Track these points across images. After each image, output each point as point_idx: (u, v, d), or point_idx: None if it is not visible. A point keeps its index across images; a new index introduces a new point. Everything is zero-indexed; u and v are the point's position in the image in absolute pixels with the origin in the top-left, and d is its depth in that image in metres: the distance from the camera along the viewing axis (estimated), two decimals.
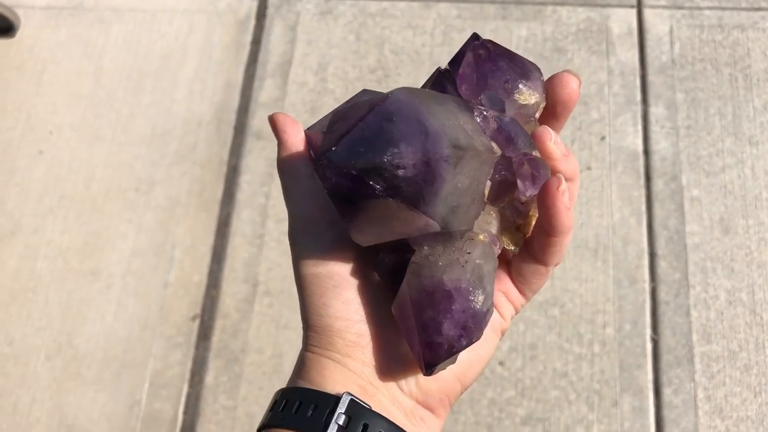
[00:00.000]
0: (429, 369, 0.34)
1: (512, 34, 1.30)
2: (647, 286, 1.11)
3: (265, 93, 1.29)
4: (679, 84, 1.24)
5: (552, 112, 0.38)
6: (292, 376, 0.37)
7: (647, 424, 1.03)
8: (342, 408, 0.33)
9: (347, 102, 0.35)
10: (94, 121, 1.30)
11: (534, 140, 0.36)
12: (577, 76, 0.38)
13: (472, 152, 0.33)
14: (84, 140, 1.29)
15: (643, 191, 1.17)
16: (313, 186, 0.38)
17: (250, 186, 1.22)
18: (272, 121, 0.40)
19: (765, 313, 1.09)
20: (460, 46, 0.38)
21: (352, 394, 0.34)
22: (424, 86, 0.38)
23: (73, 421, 1.09)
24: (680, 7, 1.31)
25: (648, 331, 1.08)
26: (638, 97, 1.24)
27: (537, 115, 0.38)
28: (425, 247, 0.35)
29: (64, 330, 1.15)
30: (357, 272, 0.37)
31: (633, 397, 1.05)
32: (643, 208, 1.16)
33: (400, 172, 0.31)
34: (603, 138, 1.20)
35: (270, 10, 1.37)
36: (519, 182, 0.36)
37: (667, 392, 1.05)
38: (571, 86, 0.37)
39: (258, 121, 1.27)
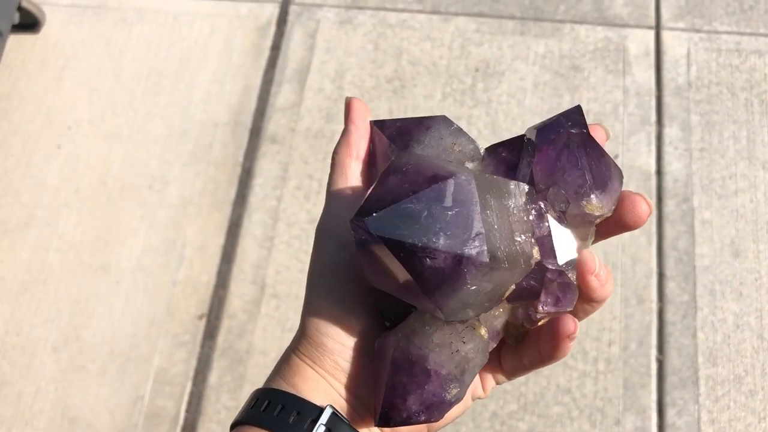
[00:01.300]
0: (382, 424, 0.35)
1: (530, 50, 1.31)
2: (654, 306, 1.11)
3: (282, 98, 1.31)
4: (694, 106, 1.25)
5: (613, 225, 0.37)
6: (273, 373, 0.38)
7: None
8: (324, 419, 0.34)
9: (422, 128, 0.36)
10: (112, 118, 1.32)
11: (578, 263, 0.35)
12: (649, 203, 0.36)
13: (507, 266, 0.32)
14: (101, 136, 1.30)
15: (654, 211, 1.17)
16: (356, 188, 0.39)
17: (262, 189, 1.23)
18: (348, 105, 0.40)
19: None
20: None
21: (334, 408, 0.34)
22: (503, 145, 0.37)
23: (76, 413, 1.10)
24: (698, 31, 1.31)
25: (653, 351, 1.08)
26: (653, 117, 1.24)
27: (598, 221, 0.37)
28: (427, 316, 0.35)
29: (71, 323, 1.16)
30: (367, 299, 0.37)
31: (636, 417, 1.04)
32: (654, 228, 1.16)
33: (428, 262, 0.30)
34: (616, 156, 1.21)
35: (291, 17, 1.39)
36: (542, 296, 0.35)
37: (670, 413, 1.04)
38: (640, 211, 0.36)
39: (273, 125, 1.28)
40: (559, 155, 0.35)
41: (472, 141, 0.37)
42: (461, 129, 0.36)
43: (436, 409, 0.34)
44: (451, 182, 0.31)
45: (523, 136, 0.36)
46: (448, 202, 0.30)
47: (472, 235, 0.30)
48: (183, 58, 1.36)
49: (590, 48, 1.31)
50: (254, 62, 1.35)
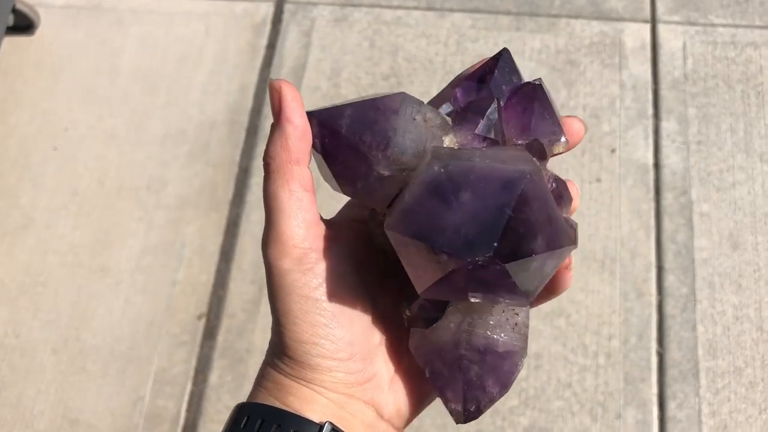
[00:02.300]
0: (467, 421, 0.35)
1: (526, 46, 1.31)
2: (654, 300, 1.11)
3: None
4: (691, 99, 1.25)
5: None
6: (257, 388, 0.35)
7: None
8: None
9: (389, 113, 0.33)
10: (108, 119, 1.32)
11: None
12: (585, 123, 0.38)
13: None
14: (98, 138, 1.30)
15: (652, 205, 1.17)
16: (305, 204, 0.35)
17: (260, 188, 1.22)
18: (277, 92, 0.35)
19: None
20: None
21: (333, 424, 0.33)
22: (467, 109, 0.36)
23: (77, 415, 1.10)
24: (694, 24, 1.31)
25: (654, 345, 1.08)
26: (650, 111, 1.24)
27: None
28: (465, 304, 0.34)
29: (71, 324, 1.16)
30: (351, 302, 0.35)
31: (637, 410, 1.04)
32: (652, 221, 1.16)
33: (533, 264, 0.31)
34: (613, 150, 1.21)
35: (286, 16, 1.39)
36: None
37: (671, 406, 1.04)
38: (580, 135, 0.37)
39: (270, 124, 1.28)
40: (524, 109, 0.36)
41: (437, 112, 0.35)
42: (422, 101, 0.35)
43: (511, 381, 0.35)
44: (525, 183, 0.30)
45: (492, 97, 0.35)
46: (534, 204, 0.30)
47: (562, 226, 0.31)
48: (179, 58, 1.36)
49: (586, 42, 1.31)
50: (250, 61, 1.35)
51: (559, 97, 1.26)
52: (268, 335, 0.36)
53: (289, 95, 0.35)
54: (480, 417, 0.35)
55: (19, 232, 1.23)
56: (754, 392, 1.05)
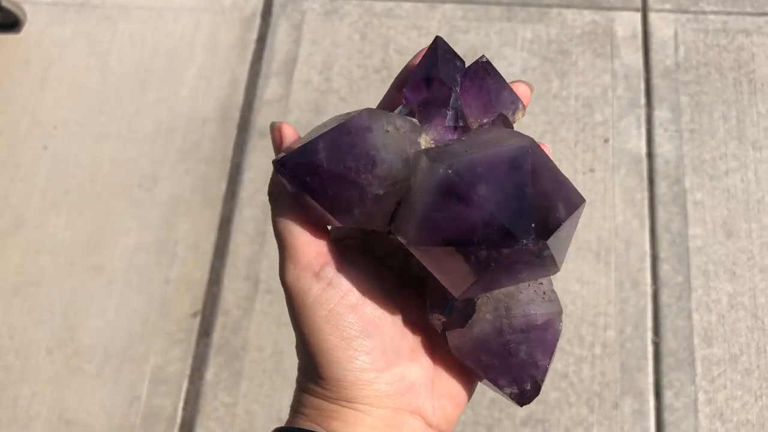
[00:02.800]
0: (531, 400, 0.35)
1: (517, 36, 1.30)
2: (649, 289, 1.11)
3: (270, 91, 1.30)
4: (683, 88, 1.24)
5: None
6: (300, 419, 0.34)
7: (647, 426, 1.03)
8: None
9: (362, 133, 0.33)
10: (99, 117, 1.31)
11: None
12: (530, 85, 0.39)
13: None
14: (89, 136, 1.29)
15: (646, 194, 1.17)
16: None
17: (253, 183, 1.22)
18: (276, 131, 0.36)
19: (766, 318, 1.09)
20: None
21: None
22: (427, 103, 0.36)
23: (73, 416, 1.09)
24: (685, 11, 1.31)
25: (649, 334, 1.08)
26: (642, 100, 1.24)
27: None
28: (494, 292, 0.35)
29: (65, 324, 1.15)
30: (377, 310, 0.35)
31: (634, 400, 1.05)
32: (646, 210, 1.16)
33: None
34: (606, 140, 1.21)
35: (275, 9, 1.38)
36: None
37: (667, 395, 1.05)
38: (529, 96, 0.38)
39: (262, 119, 1.27)
40: (480, 88, 0.36)
41: (403, 117, 0.35)
42: (386, 111, 0.35)
43: (556, 347, 0.36)
44: (530, 156, 0.31)
45: (448, 87, 0.36)
46: (545, 174, 0.31)
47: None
48: (169, 54, 1.35)
49: (578, 32, 1.30)
50: (240, 56, 1.34)
51: (551, 87, 1.25)
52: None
53: (288, 132, 0.36)
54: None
55: (10, 232, 1.22)
56: (750, 379, 1.05)
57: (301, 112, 1.27)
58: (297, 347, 0.35)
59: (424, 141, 0.34)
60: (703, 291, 1.10)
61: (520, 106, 0.37)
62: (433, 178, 0.31)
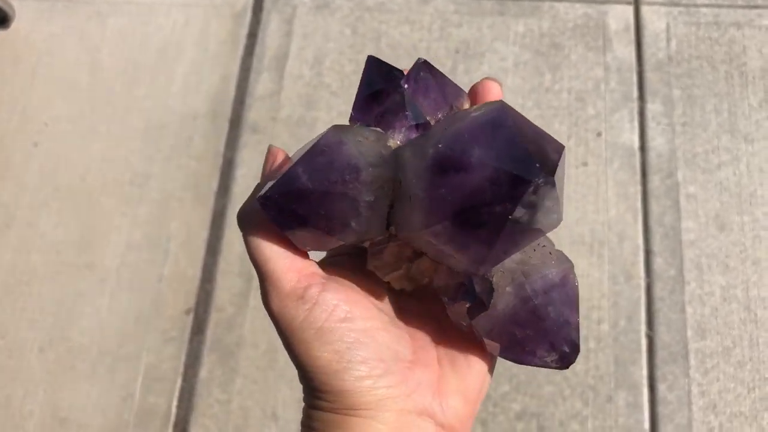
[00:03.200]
0: (573, 361, 0.35)
1: (509, 30, 1.30)
2: (643, 283, 1.11)
3: (261, 86, 1.29)
4: (675, 81, 1.24)
5: None
6: None
7: (641, 419, 1.04)
8: None
9: (338, 148, 0.33)
10: (89, 114, 1.30)
11: None
12: (499, 82, 0.38)
13: None
14: (79, 133, 1.28)
15: (639, 187, 1.17)
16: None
17: (245, 179, 1.22)
18: (271, 156, 0.37)
19: (759, 310, 1.09)
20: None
21: None
22: (384, 112, 0.37)
23: (66, 414, 1.09)
24: (677, 4, 1.31)
25: (643, 328, 1.09)
26: (635, 93, 1.24)
27: None
28: (497, 269, 0.35)
29: (58, 323, 1.14)
30: (367, 319, 0.35)
31: (627, 393, 1.05)
32: (639, 204, 1.16)
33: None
34: (599, 134, 1.21)
35: (266, 4, 1.37)
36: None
37: (661, 388, 1.05)
38: (495, 93, 0.38)
39: (254, 115, 1.27)
40: (426, 87, 0.36)
41: (367, 128, 0.35)
42: (352, 124, 0.35)
43: (578, 300, 0.36)
44: (508, 112, 0.32)
45: (400, 91, 0.36)
46: (526, 127, 0.32)
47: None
48: (159, 49, 1.34)
49: (570, 25, 1.30)
50: (231, 51, 1.33)
51: (543, 80, 1.25)
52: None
53: (279, 157, 0.36)
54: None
55: (1, 231, 1.21)
56: (743, 371, 1.06)
57: (293, 107, 1.26)
58: (296, 367, 0.35)
59: (394, 144, 0.34)
60: (696, 284, 1.11)
61: (465, 96, 0.37)
62: (423, 160, 0.31)
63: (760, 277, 1.11)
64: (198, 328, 1.13)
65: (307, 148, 0.33)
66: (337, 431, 0.33)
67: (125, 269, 1.17)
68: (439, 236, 0.32)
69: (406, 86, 0.35)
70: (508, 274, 0.35)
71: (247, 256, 1.09)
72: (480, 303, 0.35)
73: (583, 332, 1.08)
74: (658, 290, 1.10)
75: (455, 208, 0.30)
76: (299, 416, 0.36)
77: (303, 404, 0.35)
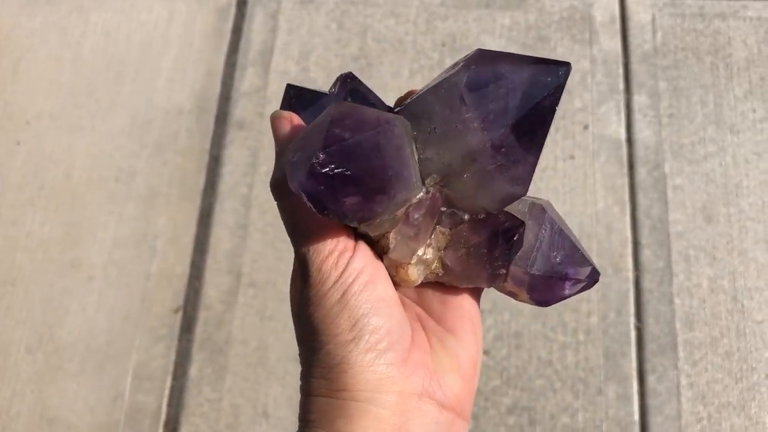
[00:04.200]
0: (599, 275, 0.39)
1: (495, 23, 1.30)
2: (631, 275, 1.12)
3: (247, 82, 1.28)
4: (661, 73, 1.25)
5: None
6: (308, 427, 0.34)
7: (631, 411, 1.04)
8: None
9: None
10: (73, 110, 1.28)
11: None
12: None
13: None
14: (63, 130, 1.27)
15: (626, 180, 1.17)
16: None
17: (232, 176, 1.21)
18: (287, 122, 0.37)
19: (746, 300, 1.10)
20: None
21: None
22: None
23: (55, 414, 1.08)
24: None
25: (632, 320, 1.09)
26: (621, 85, 1.24)
27: None
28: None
29: (45, 322, 1.13)
30: (387, 291, 0.35)
31: (617, 385, 1.06)
32: (627, 196, 1.16)
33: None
34: (586, 127, 1.21)
35: None
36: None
37: (651, 380, 1.06)
38: None
39: (240, 111, 1.26)
40: (365, 96, 0.38)
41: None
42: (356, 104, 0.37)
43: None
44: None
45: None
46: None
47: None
48: (143, 45, 1.33)
49: (556, 18, 1.30)
50: (216, 46, 1.32)
51: None
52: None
53: (296, 120, 0.37)
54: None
55: None
56: (731, 362, 1.07)
57: (279, 102, 1.25)
58: (302, 344, 0.35)
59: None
60: (684, 276, 1.11)
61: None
62: (456, 91, 0.33)
63: (746, 268, 1.12)
64: (187, 326, 1.12)
65: (322, 120, 0.32)
66: (334, 420, 0.33)
67: (112, 267, 1.16)
68: (499, 150, 0.33)
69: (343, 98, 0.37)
70: (516, 213, 0.36)
71: (235, 254, 1.08)
72: (520, 237, 0.36)
73: (572, 325, 1.09)
74: (647, 282, 1.11)
75: (514, 113, 0.32)
76: (291, 413, 0.36)
77: (299, 397, 0.35)
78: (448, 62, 1.26)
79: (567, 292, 0.38)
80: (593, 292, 1.10)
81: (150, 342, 1.11)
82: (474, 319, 0.39)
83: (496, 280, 0.37)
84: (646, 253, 1.13)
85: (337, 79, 0.38)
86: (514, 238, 0.36)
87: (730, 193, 1.16)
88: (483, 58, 0.33)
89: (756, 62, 1.25)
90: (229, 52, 1.32)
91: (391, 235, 0.36)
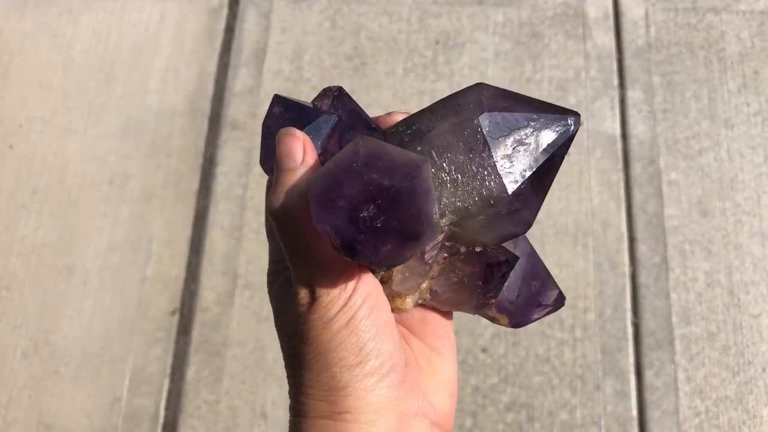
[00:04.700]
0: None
1: (489, 20, 1.29)
2: (627, 270, 1.12)
3: (240, 82, 1.28)
4: (655, 68, 1.25)
5: None
6: None
7: (629, 406, 1.04)
8: None
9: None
10: (65, 113, 1.27)
11: None
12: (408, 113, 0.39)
13: None
14: (55, 133, 1.26)
15: (621, 175, 1.17)
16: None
17: (226, 177, 1.20)
18: (297, 140, 0.35)
19: (742, 294, 1.10)
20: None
21: None
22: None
23: (52, 420, 1.07)
24: None
25: (629, 315, 1.09)
26: (615, 81, 1.24)
27: None
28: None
29: (40, 327, 1.13)
30: (389, 315, 0.35)
31: (615, 381, 1.06)
32: (622, 192, 1.16)
33: None
34: (581, 123, 1.20)
35: None
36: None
37: (648, 375, 1.06)
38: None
39: (233, 111, 1.25)
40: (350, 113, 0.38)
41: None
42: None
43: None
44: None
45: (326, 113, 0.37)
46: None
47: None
48: (134, 46, 1.32)
49: (549, 14, 1.29)
50: (208, 46, 1.32)
51: (524, 70, 1.25)
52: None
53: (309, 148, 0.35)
54: None
55: None
56: (727, 356, 1.07)
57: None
58: (299, 365, 0.34)
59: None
60: (680, 270, 1.11)
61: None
62: (475, 136, 0.34)
63: (742, 262, 1.12)
64: (184, 329, 1.12)
65: (350, 158, 0.32)
66: None
67: (107, 271, 1.16)
68: (518, 197, 0.34)
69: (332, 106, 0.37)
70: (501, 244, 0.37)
71: (231, 256, 1.08)
72: (511, 265, 0.36)
73: (569, 321, 1.09)
74: (643, 277, 1.11)
75: (534, 164, 0.33)
76: (289, 415, 0.35)
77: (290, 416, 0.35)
78: (442, 60, 1.26)
79: (536, 316, 0.39)
80: (590, 289, 1.10)
81: (146, 345, 1.11)
82: (451, 337, 0.40)
83: (483, 308, 0.37)
84: (642, 249, 1.13)
85: (325, 93, 0.37)
86: (509, 272, 0.36)
87: (725, 187, 1.16)
88: (496, 99, 0.33)
89: (749, 56, 1.25)
90: (221, 53, 1.31)
91: (398, 269, 0.36)
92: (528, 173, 0.33)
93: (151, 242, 1.17)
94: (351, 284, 0.34)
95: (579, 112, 0.44)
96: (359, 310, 0.33)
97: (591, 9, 1.29)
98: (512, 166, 0.33)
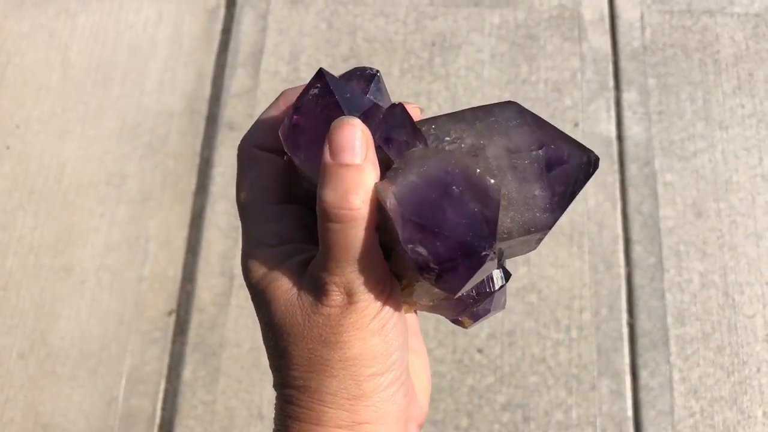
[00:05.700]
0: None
1: (485, 22, 1.30)
2: (623, 271, 1.12)
3: (237, 83, 1.28)
4: (650, 70, 1.25)
5: None
6: None
7: (625, 406, 1.05)
8: None
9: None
10: (62, 114, 1.28)
11: None
12: (420, 107, 0.37)
13: None
14: (52, 134, 1.26)
15: (617, 177, 1.18)
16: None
17: (223, 178, 1.21)
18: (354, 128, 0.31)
19: (737, 295, 1.11)
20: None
21: None
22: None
23: (48, 420, 1.08)
24: None
25: (624, 316, 1.10)
26: (611, 83, 1.25)
27: None
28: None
29: (37, 327, 1.13)
30: (403, 318, 0.35)
31: (611, 381, 1.06)
32: (618, 193, 1.17)
33: None
34: (576, 124, 1.21)
35: None
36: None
37: (643, 375, 1.06)
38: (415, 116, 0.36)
39: (230, 112, 1.25)
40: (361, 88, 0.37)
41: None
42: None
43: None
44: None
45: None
46: None
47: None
48: (132, 47, 1.32)
49: (545, 16, 1.30)
50: (206, 47, 1.32)
51: (520, 72, 1.25)
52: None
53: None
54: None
55: None
56: (722, 356, 1.08)
57: (269, 103, 1.25)
58: (316, 373, 0.32)
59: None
60: (675, 271, 1.12)
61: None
62: (539, 166, 0.34)
63: (737, 263, 1.12)
64: (180, 329, 1.12)
65: (438, 175, 0.31)
66: None
67: (104, 271, 1.16)
68: (551, 227, 0.34)
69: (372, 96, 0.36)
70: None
71: (228, 256, 1.08)
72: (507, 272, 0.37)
73: (565, 322, 1.09)
74: (638, 278, 1.12)
75: (570, 196, 0.33)
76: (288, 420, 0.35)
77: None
78: (438, 61, 1.26)
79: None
80: (585, 289, 1.11)
81: (143, 345, 1.11)
82: (419, 334, 0.39)
83: (461, 315, 0.37)
84: (637, 250, 1.13)
85: (360, 73, 0.36)
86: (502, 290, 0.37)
87: (720, 188, 1.17)
88: (542, 129, 0.34)
89: (744, 58, 1.26)
90: (218, 53, 1.31)
91: (420, 282, 0.35)
92: (566, 207, 0.33)
93: (148, 242, 1.17)
94: (387, 291, 0.32)
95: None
96: (391, 318, 0.32)
97: (587, 11, 1.30)
98: (557, 201, 0.33)
